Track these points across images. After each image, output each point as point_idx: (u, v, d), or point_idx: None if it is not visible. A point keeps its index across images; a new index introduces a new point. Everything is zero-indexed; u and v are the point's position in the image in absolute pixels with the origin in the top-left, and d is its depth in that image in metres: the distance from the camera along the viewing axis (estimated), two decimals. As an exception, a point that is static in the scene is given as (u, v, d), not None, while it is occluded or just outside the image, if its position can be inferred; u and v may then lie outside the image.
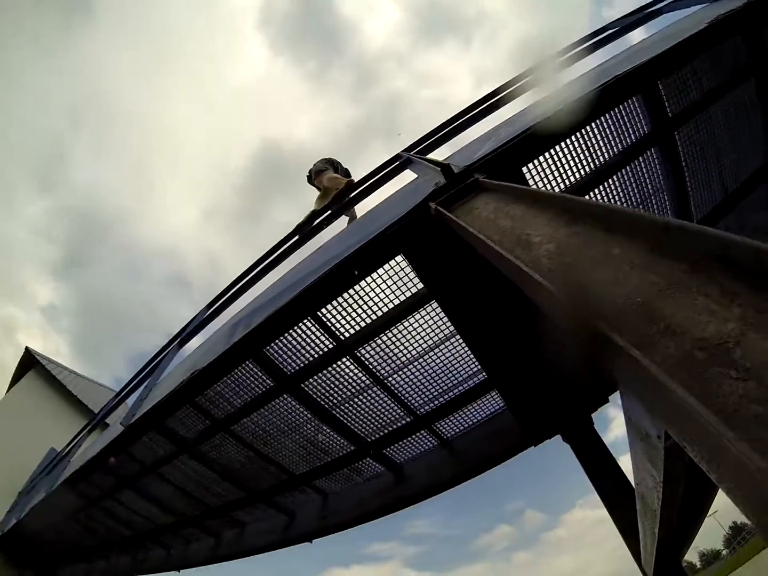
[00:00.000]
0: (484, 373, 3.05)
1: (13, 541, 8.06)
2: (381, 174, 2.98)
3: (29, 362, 12.62)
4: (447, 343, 2.89)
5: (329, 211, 3.17)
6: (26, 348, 12.76)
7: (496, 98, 3.00)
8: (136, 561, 6.00)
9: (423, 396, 3.07)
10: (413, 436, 3.24)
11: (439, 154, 2.81)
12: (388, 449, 3.28)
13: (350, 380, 2.85)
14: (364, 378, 2.85)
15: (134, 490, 4.31)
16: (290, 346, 2.67)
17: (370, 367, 2.80)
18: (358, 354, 2.72)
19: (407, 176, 2.70)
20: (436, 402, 3.15)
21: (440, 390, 3.10)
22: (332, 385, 2.87)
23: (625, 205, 2.73)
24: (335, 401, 2.95)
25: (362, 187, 3.00)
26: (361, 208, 2.95)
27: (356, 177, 3.62)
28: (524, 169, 2.30)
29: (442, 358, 2.94)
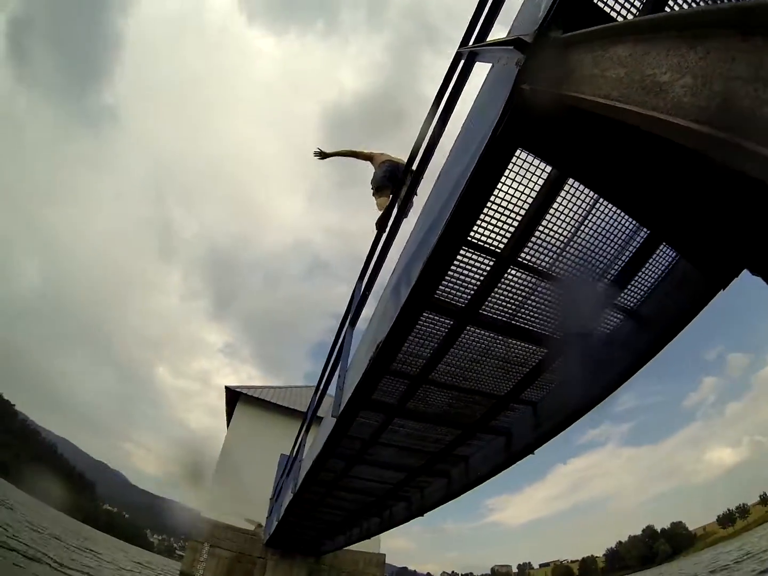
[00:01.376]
0: (644, 230, 2.84)
1: (280, 538, 9.82)
2: (453, 82, 2.86)
3: (233, 397, 15.03)
4: (593, 212, 2.73)
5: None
6: (225, 387, 15.24)
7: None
8: (383, 520, 6.92)
9: (592, 273, 2.96)
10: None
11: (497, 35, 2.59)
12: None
13: (519, 286, 2.86)
14: (531, 278, 2.83)
15: (364, 463, 4.92)
16: (455, 280, 2.75)
17: (533, 266, 2.77)
18: (519, 259, 2.71)
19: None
20: (608, 275, 3.01)
21: (606, 261, 2.95)
22: (505, 298, 2.91)
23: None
24: (511, 311, 2.99)
25: (443, 103, 2.92)
26: (454, 120, 2.86)
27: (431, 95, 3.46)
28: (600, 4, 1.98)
29: (595, 227, 2.78)
